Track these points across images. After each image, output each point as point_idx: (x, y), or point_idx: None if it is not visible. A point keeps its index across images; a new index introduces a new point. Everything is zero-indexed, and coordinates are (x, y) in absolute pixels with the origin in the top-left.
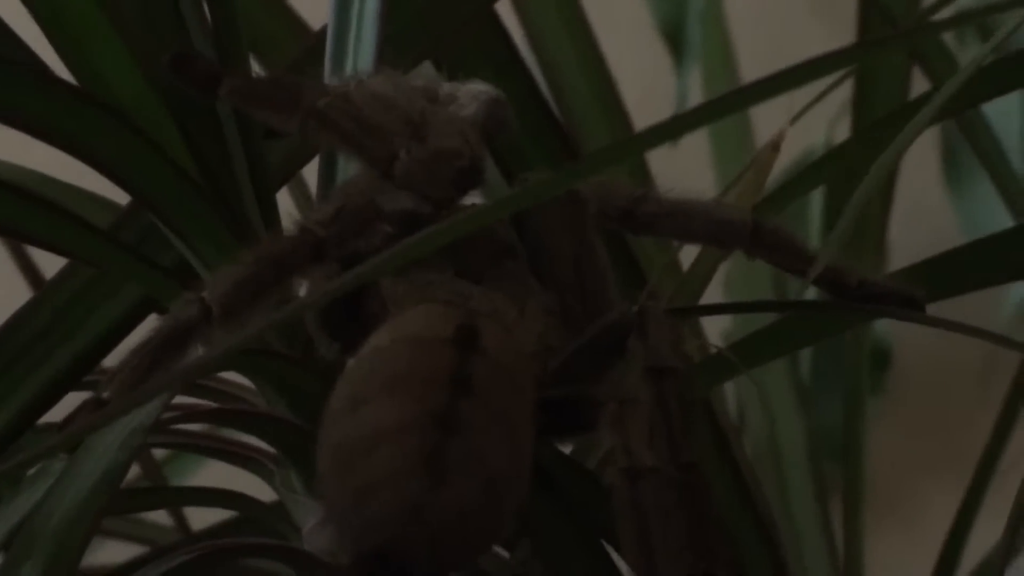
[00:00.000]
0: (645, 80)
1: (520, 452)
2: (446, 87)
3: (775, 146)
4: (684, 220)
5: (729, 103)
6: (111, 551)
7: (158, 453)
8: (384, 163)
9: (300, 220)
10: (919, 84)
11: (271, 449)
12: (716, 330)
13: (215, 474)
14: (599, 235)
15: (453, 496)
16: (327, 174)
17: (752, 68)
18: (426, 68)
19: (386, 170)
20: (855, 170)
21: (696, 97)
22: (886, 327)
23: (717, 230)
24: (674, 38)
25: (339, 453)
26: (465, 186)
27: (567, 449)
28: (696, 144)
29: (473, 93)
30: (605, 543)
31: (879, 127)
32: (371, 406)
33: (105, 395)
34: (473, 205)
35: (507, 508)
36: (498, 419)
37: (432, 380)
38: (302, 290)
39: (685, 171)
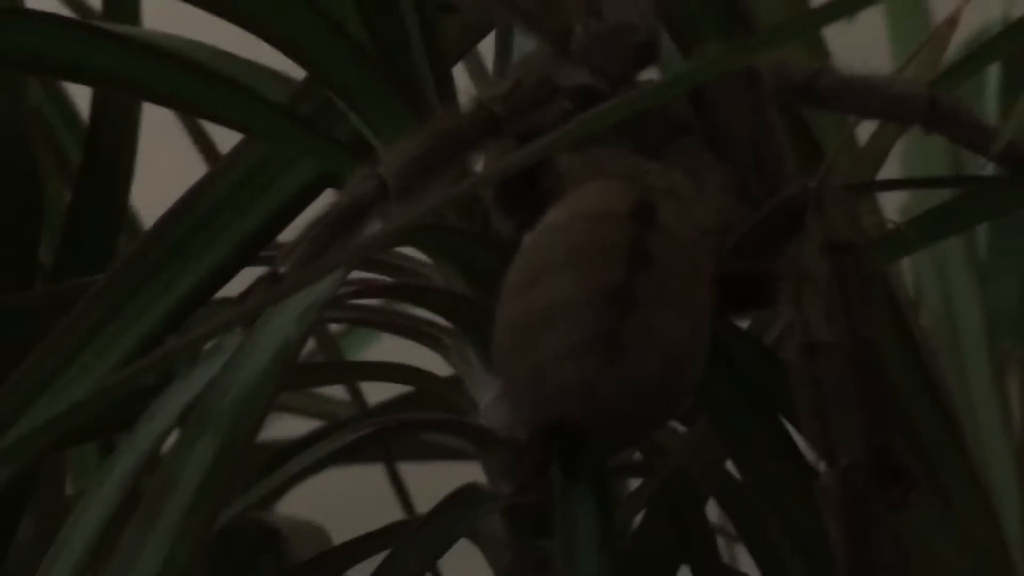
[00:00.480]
0: None
1: (698, 328)
2: None
3: (952, 21)
4: (861, 95)
5: None
6: (287, 425)
7: (334, 328)
8: (560, 38)
9: (476, 95)
10: None
11: (448, 324)
12: (893, 206)
13: (391, 349)
14: (776, 111)
15: (630, 370)
16: (503, 50)
17: None
18: None
19: (563, 45)
20: None
21: None
22: None
23: (894, 105)
24: None
25: (516, 328)
26: (642, 61)
27: (745, 324)
28: (872, 20)
29: None
30: (783, 419)
31: None
32: (548, 281)
33: (282, 270)
34: (649, 80)
35: (684, 383)
36: (675, 295)
37: (610, 255)
38: (479, 165)
39: (862, 47)
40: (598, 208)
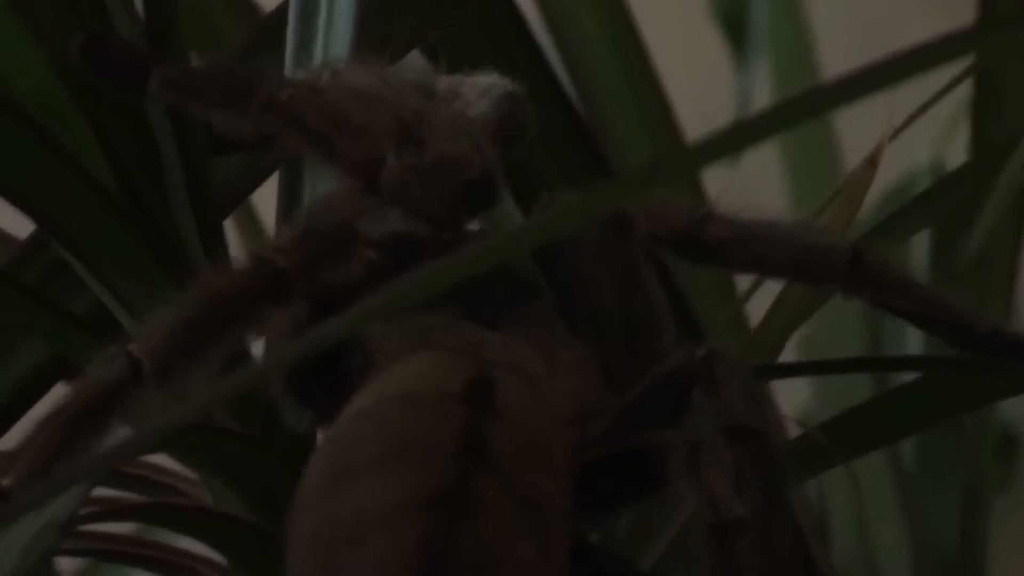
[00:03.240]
0: (697, 77)
1: (551, 540)
2: (445, 81)
3: (873, 161)
4: (762, 246)
5: (808, 104)
6: None
7: (69, 562)
8: (367, 170)
9: (254, 248)
10: None
11: (218, 557)
12: (788, 410)
13: None
14: (650, 265)
15: None
16: (290, 196)
17: (834, 62)
18: (416, 59)
19: (370, 179)
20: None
21: (762, 99)
22: (1013, 407)
23: (807, 258)
24: (734, 24)
25: (316, 546)
26: (477, 204)
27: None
28: (764, 161)
29: (482, 87)
30: None
31: (1008, 144)
32: (357, 484)
33: (4, 484)
34: (483, 233)
35: None
36: (522, 498)
37: (436, 448)
38: (259, 343)
39: (750, 196)
40: (419, 388)
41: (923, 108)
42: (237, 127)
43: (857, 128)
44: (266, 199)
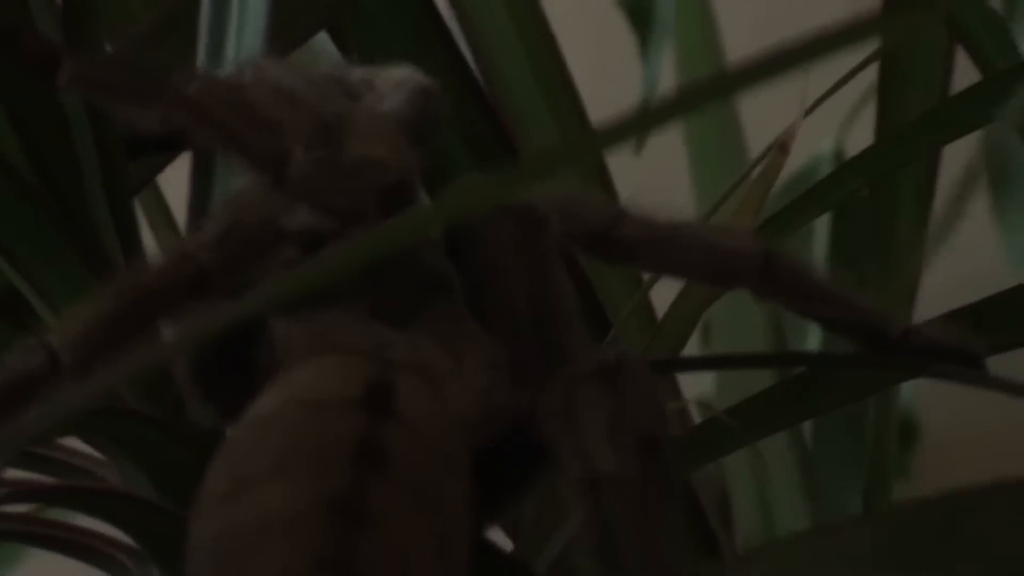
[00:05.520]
0: (601, 64)
1: (451, 544)
2: (359, 72)
3: (783, 147)
4: (675, 247)
5: (713, 89)
6: None
7: None
8: (274, 165)
9: (176, 243)
10: (963, 72)
11: (127, 539)
12: (693, 393)
13: (45, 571)
14: (561, 263)
15: None
16: (201, 182)
17: (739, 48)
18: (325, 43)
19: (276, 174)
20: (878, 187)
21: (667, 84)
22: (913, 393)
23: (719, 261)
24: (639, 10)
25: (214, 552)
26: (392, 206)
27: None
28: (667, 146)
29: (395, 81)
30: None
31: (910, 130)
32: (255, 491)
33: None
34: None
35: None
36: (421, 503)
37: (333, 455)
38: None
39: (654, 182)
40: (318, 392)
41: (828, 93)
42: (145, 121)
43: (762, 114)
44: (174, 180)
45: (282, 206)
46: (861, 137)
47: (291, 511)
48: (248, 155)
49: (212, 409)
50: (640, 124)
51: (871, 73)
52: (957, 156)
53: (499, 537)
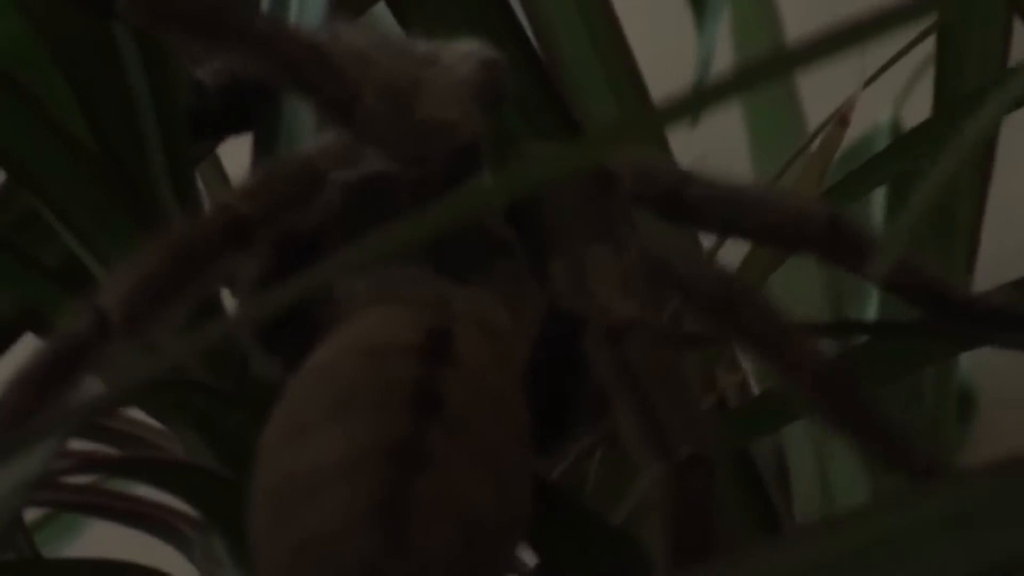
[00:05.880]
0: (658, 37)
1: (510, 488)
2: (423, 46)
3: (843, 120)
4: (742, 208)
5: (773, 66)
6: None
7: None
8: (344, 105)
9: (218, 196)
10: (1021, 43)
11: (188, 509)
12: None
13: (107, 542)
14: (632, 224)
15: (420, 550)
16: (263, 155)
17: (795, 18)
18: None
19: (346, 114)
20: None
21: (723, 61)
22: (971, 364)
23: (785, 223)
24: None
25: (273, 500)
26: (459, 170)
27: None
28: (726, 124)
29: (462, 54)
30: None
31: (967, 102)
32: (313, 437)
33: None
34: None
35: (494, 560)
36: (479, 446)
37: (390, 401)
38: (231, 296)
39: (712, 153)
40: (377, 340)
41: (886, 66)
42: (210, 56)
43: (820, 84)
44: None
45: (331, 158)
46: (918, 109)
47: (348, 455)
48: (319, 96)
49: (274, 362)
50: (700, 101)
51: (929, 44)
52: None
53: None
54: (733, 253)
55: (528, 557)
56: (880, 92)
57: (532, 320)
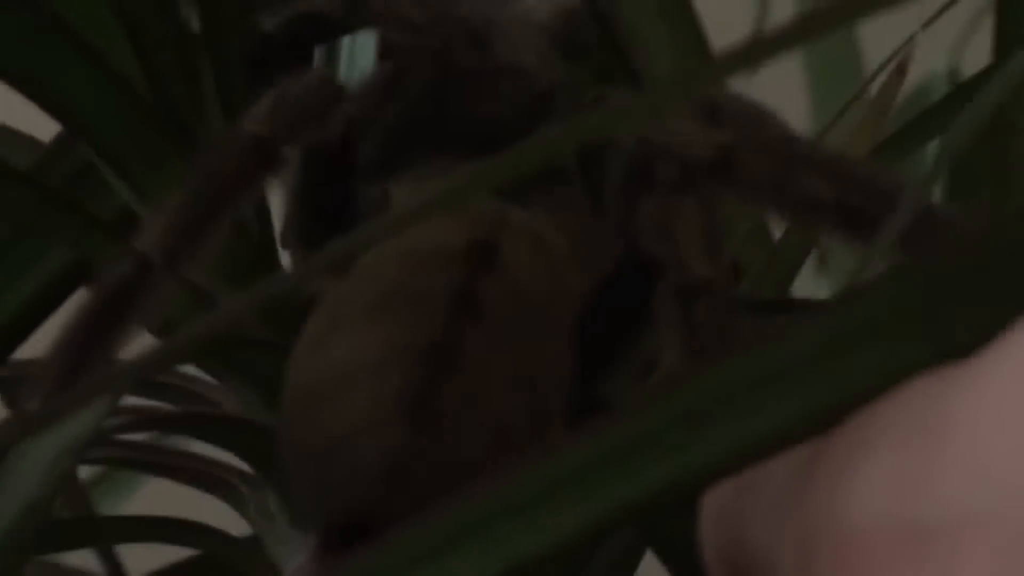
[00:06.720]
0: None
1: (544, 399)
2: None
3: (901, 68)
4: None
5: (834, 17)
6: None
7: (84, 472)
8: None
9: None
10: None
11: (243, 466)
12: None
13: (161, 499)
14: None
15: (445, 451)
16: None
17: None
18: None
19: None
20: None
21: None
22: None
23: (862, 205)
24: None
25: (305, 398)
26: (537, 118)
27: None
28: (786, 73)
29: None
30: None
31: None
32: (347, 334)
33: (29, 399)
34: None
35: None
36: (514, 359)
37: (427, 302)
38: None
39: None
40: (424, 245)
41: (942, 9)
42: None
43: (876, 30)
44: None
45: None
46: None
47: (379, 354)
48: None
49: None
50: (760, 51)
51: None
52: None
53: None
54: None
55: None
56: (937, 42)
57: (595, 256)
